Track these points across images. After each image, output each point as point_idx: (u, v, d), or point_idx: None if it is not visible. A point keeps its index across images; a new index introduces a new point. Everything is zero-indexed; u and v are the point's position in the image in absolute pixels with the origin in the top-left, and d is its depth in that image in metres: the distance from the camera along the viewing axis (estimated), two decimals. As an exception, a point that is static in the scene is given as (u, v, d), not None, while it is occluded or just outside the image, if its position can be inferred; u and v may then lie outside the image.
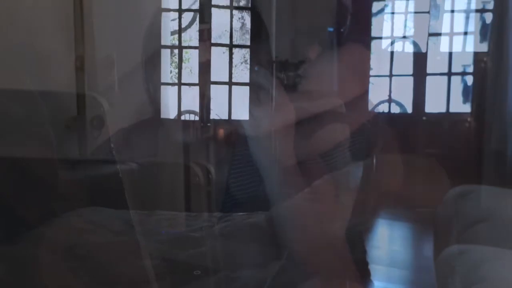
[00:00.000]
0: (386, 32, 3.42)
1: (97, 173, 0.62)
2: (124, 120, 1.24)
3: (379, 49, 3.45)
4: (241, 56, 0.88)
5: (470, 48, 3.10)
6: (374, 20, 3.64)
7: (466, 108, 3.58)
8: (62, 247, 0.57)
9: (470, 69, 3.56)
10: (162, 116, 0.93)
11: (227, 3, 0.87)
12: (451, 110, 3.14)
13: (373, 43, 3.40)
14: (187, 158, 0.92)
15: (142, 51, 0.94)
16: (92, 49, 1.20)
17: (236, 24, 0.88)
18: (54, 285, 0.57)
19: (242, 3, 0.90)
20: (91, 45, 1.20)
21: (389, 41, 3.34)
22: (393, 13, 3.43)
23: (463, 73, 4.02)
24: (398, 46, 3.36)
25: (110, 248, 0.57)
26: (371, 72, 3.66)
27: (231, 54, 0.87)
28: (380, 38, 3.57)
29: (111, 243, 0.57)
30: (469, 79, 3.79)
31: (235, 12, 0.86)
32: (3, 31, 1.03)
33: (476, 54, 3.03)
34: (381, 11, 3.85)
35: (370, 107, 3.39)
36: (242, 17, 0.87)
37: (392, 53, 3.29)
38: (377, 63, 3.66)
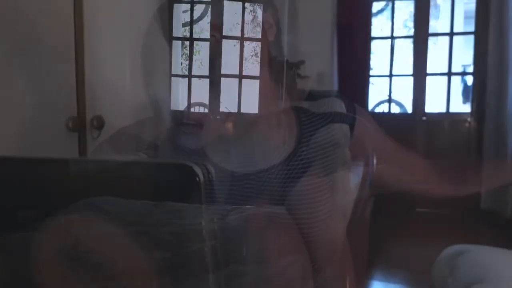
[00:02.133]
0: (386, 32, 3.43)
1: (106, 163, 0.62)
2: (125, 118, 1.24)
3: (379, 49, 3.46)
4: (252, 49, 0.88)
5: (470, 48, 3.10)
6: (374, 20, 3.65)
7: (466, 108, 3.58)
8: (62, 247, 0.57)
9: (470, 69, 3.56)
10: (172, 108, 0.93)
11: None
12: (451, 110, 3.14)
13: (373, 43, 3.41)
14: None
15: (141, 50, 0.95)
16: (93, 48, 1.21)
17: (248, 17, 0.88)
18: (55, 279, 0.57)
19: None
20: (91, 44, 1.20)
21: (389, 41, 3.35)
22: (393, 13, 3.43)
23: (463, 73, 4.02)
24: (398, 46, 3.36)
25: (116, 240, 0.58)
26: (371, 72, 3.67)
27: (242, 47, 0.87)
28: (380, 38, 3.58)
29: (118, 235, 0.58)
30: (469, 79, 3.79)
31: (246, 5, 0.86)
32: (2, 30, 1.03)
33: (476, 54, 3.03)
34: (381, 11, 3.86)
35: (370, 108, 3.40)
36: (254, 9, 0.87)
37: (392, 53, 3.29)
38: (377, 63, 3.67)
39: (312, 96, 0.92)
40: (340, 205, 0.89)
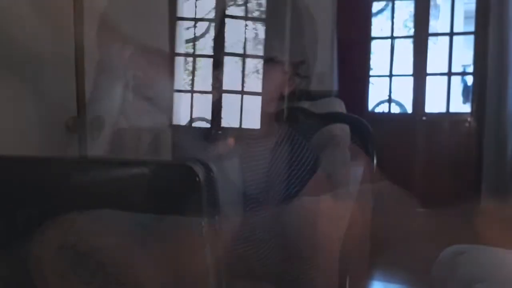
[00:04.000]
0: (386, 32, 3.43)
1: (107, 174, 0.62)
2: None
3: (379, 49, 3.46)
4: (253, 66, 0.89)
5: (470, 48, 3.10)
6: (374, 20, 3.65)
7: (466, 108, 3.58)
8: (62, 246, 0.57)
9: (470, 69, 3.56)
10: (174, 122, 0.93)
11: (241, 13, 0.89)
12: (451, 110, 3.14)
13: (373, 43, 3.41)
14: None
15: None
16: (93, 48, 1.21)
17: (249, 34, 0.89)
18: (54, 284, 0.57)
19: (255, 14, 0.92)
20: (91, 45, 1.20)
21: (389, 41, 3.34)
22: (393, 13, 3.43)
23: (463, 73, 4.02)
24: (398, 46, 3.36)
25: (117, 250, 0.58)
26: (371, 72, 3.67)
27: (244, 64, 0.88)
28: (380, 38, 3.58)
29: (119, 245, 0.57)
30: (469, 79, 3.79)
31: (248, 22, 0.87)
32: (4, 30, 1.03)
33: (476, 54, 3.03)
34: (381, 11, 3.86)
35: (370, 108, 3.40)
36: (255, 27, 0.89)
37: (392, 53, 3.29)
38: (377, 63, 3.67)
39: (312, 96, 0.92)
40: (339, 204, 0.89)
